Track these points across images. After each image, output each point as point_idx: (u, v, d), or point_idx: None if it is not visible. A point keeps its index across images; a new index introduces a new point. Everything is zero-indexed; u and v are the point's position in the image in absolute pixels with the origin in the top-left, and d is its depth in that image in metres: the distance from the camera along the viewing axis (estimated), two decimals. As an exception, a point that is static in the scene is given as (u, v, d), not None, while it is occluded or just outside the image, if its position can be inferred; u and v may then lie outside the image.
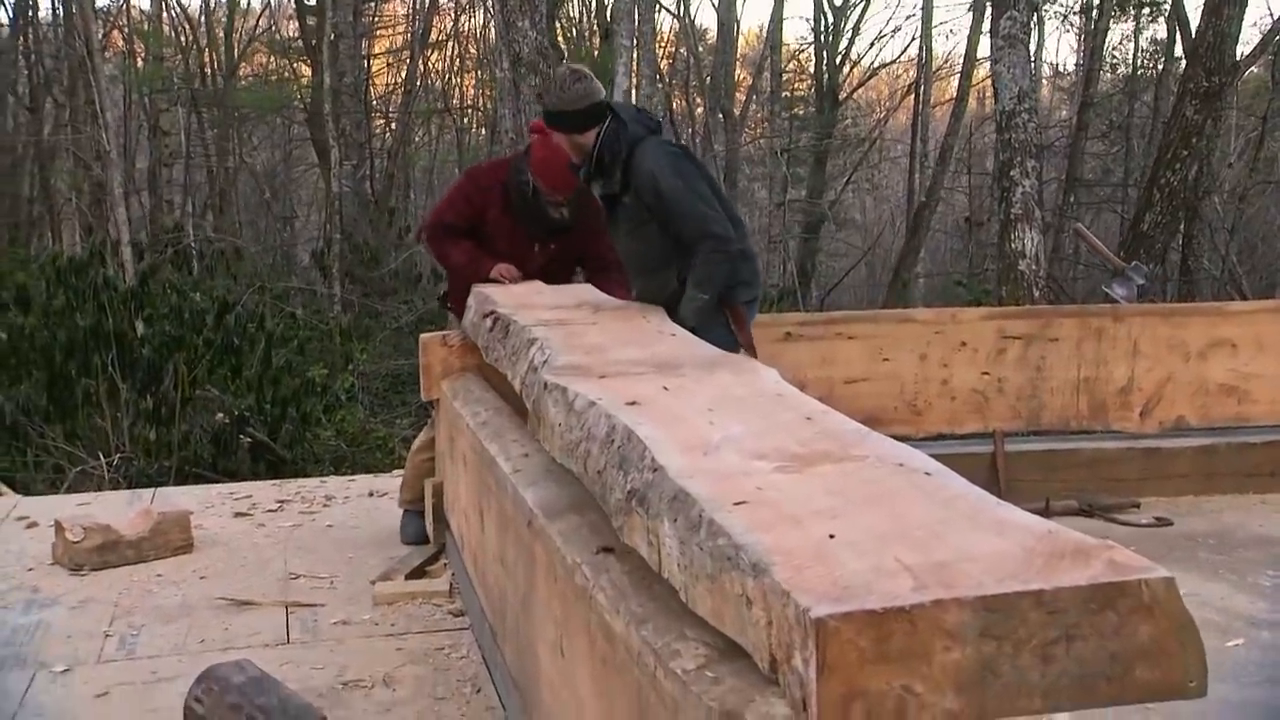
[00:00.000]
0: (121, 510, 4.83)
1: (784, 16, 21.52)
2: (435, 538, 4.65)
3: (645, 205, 3.99)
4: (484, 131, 21.00)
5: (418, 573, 4.42)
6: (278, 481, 6.11)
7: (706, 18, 30.28)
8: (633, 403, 2.59)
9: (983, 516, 1.82)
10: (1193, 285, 14.51)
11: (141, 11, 21.29)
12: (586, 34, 19.47)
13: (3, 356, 8.11)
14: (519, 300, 4.14)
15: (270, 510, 5.24)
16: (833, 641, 1.42)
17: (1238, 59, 11.68)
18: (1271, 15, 19.61)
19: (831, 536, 1.69)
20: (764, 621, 1.60)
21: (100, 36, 14.49)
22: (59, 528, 4.37)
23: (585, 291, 4.34)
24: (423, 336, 4.79)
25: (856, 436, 2.33)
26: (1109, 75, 19.60)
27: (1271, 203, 19.22)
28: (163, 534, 4.49)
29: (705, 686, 1.83)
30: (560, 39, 17.04)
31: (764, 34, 23.88)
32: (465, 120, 22.02)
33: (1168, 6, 17.73)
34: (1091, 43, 18.12)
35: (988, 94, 22.35)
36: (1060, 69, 23.82)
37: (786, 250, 19.97)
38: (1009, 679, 1.45)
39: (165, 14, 20.86)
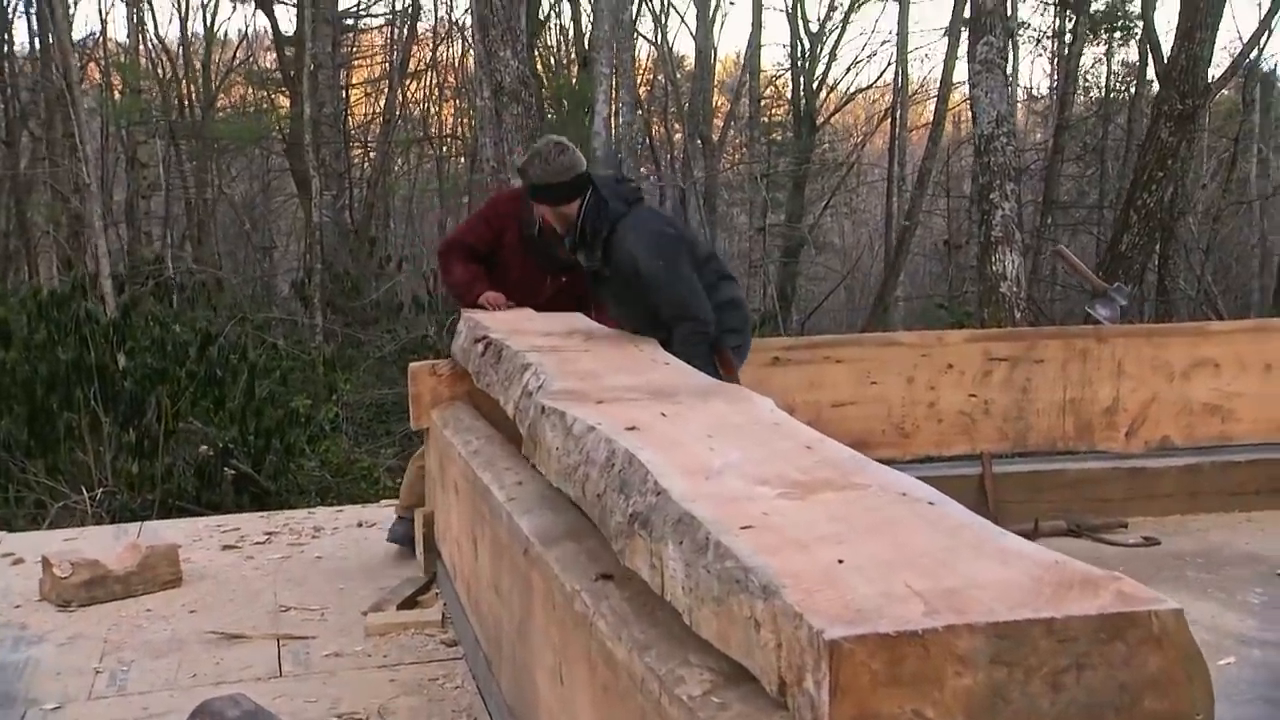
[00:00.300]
0: (108, 545, 4.80)
1: (761, 43, 21.60)
2: (426, 567, 4.63)
3: (628, 282, 4.06)
4: (463, 160, 21.03)
5: (409, 603, 4.40)
6: (265, 513, 6.08)
7: (684, 45, 30.51)
8: (632, 428, 2.61)
9: (988, 546, 1.84)
10: (1169, 305, 14.66)
11: (118, 44, 21.30)
12: (565, 62, 19.55)
13: (-17, 391, 8.07)
14: (510, 325, 4.15)
15: (258, 542, 5.22)
16: (846, 664, 1.43)
17: (1209, 82, 11.85)
18: (1240, 38, 19.88)
19: (840, 561, 1.70)
20: (773, 644, 1.61)
21: (78, 69, 14.46)
22: (46, 564, 4.34)
23: (576, 319, 4.37)
24: (411, 366, 4.80)
25: (856, 465, 2.35)
26: (1083, 98, 19.82)
27: (1244, 223, 19.46)
28: (151, 568, 4.47)
29: (712, 712, 1.84)
30: (539, 67, 17.09)
31: (741, 60, 24.07)
32: (445, 149, 22.05)
33: (1138, 30, 17.96)
34: (1065, 66, 18.32)
35: (964, 118, 22.60)
36: (1034, 92, 24.06)
37: (767, 274, 20.04)
38: (1019, 706, 1.46)
39: (142, 46, 20.85)
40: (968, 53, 10.03)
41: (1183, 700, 1.51)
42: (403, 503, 5.01)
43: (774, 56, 39.52)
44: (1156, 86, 15.50)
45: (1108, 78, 20.57)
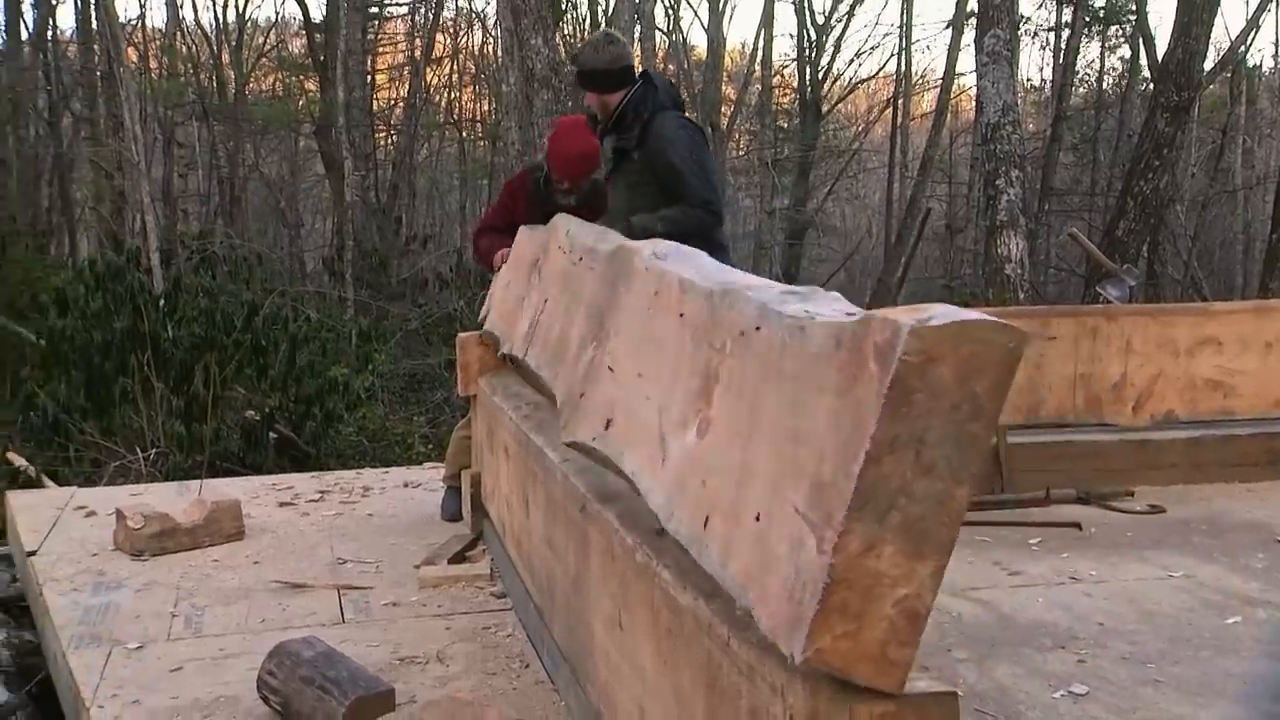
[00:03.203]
0: (172, 500, 4.85)
1: (773, 35, 21.56)
2: (473, 525, 4.69)
3: (652, 167, 4.12)
4: (484, 143, 21.02)
5: (458, 558, 4.46)
6: (316, 474, 6.14)
7: (695, 36, 30.34)
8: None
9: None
10: (1158, 289, 14.66)
11: (157, 29, 21.25)
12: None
13: (43, 357, 8.12)
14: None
15: (312, 500, 5.27)
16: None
17: (1203, 75, 11.83)
18: (1229, 35, 19.84)
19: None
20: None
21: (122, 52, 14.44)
22: (120, 516, 4.40)
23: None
24: (460, 336, 4.84)
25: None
26: (1081, 90, 19.78)
27: (1228, 211, 19.45)
28: (216, 522, 4.52)
29: (780, 654, 1.88)
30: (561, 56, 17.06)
31: (747, 50, 23.99)
32: (466, 133, 22.03)
33: (1131, 28, 17.91)
34: (1065, 59, 18.27)
35: (963, 107, 22.54)
36: (1030, 84, 23.98)
37: (773, 256, 20.05)
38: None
39: (180, 31, 20.82)
40: (975, 44, 10.00)
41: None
42: (448, 472, 5.07)
43: (780, 47, 39.34)
44: (1149, 80, 15.49)
45: (1102, 72, 20.53)
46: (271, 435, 8.32)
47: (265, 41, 23.04)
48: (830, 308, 1.92)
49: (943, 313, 1.54)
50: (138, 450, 7.44)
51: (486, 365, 4.65)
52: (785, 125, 22.53)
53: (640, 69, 4.29)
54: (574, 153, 4.41)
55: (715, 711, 2.09)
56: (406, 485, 5.56)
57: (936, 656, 3.35)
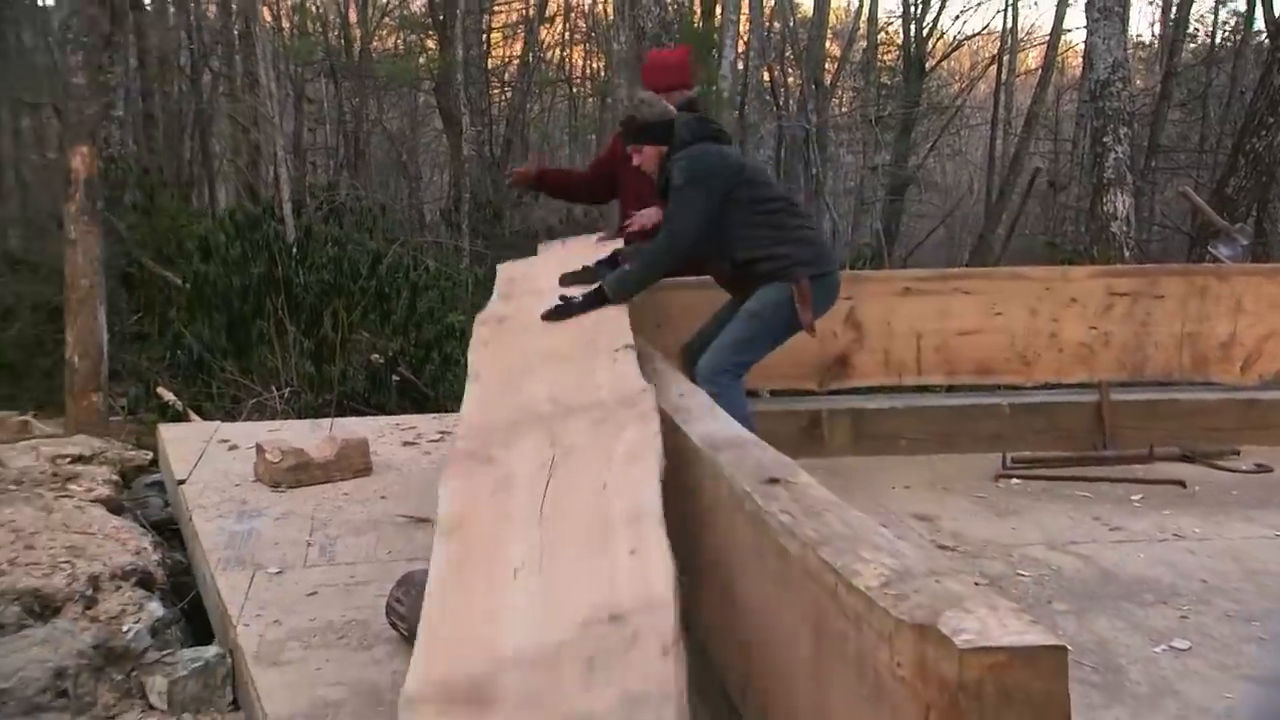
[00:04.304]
0: (305, 436, 4.99)
1: (879, -8, 20.99)
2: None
3: None
4: (594, 100, 20.98)
5: (572, 499, 4.50)
6: (437, 415, 6.25)
7: (799, -7, 29.68)
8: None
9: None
10: (1266, 248, 13.99)
11: (286, -10, 21.58)
12: (688, 7, 19.26)
13: (188, 300, 8.40)
14: None
15: (434, 440, 5.37)
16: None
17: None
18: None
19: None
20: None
21: (259, 11, 14.74)
22: (260, 450, 4.54)
23: None
24: (565, 284, 4.86)
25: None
26: (1191, 46, 18.85)
27: (1344, 170, 18.38)
28: (346, 458, 4.64)
29: (891, 602, 1.86)
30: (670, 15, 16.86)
31: (853, 7, 23.40)
32: (577, 90, 22.01)
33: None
34: (1176, 14, 17.41)
35: (1069, 64, 21.71)
36: (1139, 39, 22.94)
37: (874, 212, 19.67)
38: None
39: (309, -9, 21.13)
40: (1086, 1, 9.60)
41: None
42: None
43: (886, 4, 38.35)
44: (1264, 35, 14.67)
45: (1215, 27, 19.53)
46: (394, 377, 8.50)
47: (388, 2, 23.26)
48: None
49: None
50: (273, 388, 7.67)
51: (591, 315, 4.67)
52: (889, 82, 21.99)
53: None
54: (659, 62, 4.69)
55: (822, 655, 2.08)
56: (521, 427, 5.62)
57: (1037, 609, 3.29)
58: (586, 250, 4.73)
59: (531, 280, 4.53)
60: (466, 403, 3.44)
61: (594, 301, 4.14)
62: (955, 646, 1.63)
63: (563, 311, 4.05)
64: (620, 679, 2.10)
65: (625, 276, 4.15)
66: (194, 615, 3.67)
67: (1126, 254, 8.17)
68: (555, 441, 3.02)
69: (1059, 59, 20.22)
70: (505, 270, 4.73)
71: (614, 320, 3.89)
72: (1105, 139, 8.66)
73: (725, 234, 4.17)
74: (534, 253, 5.45)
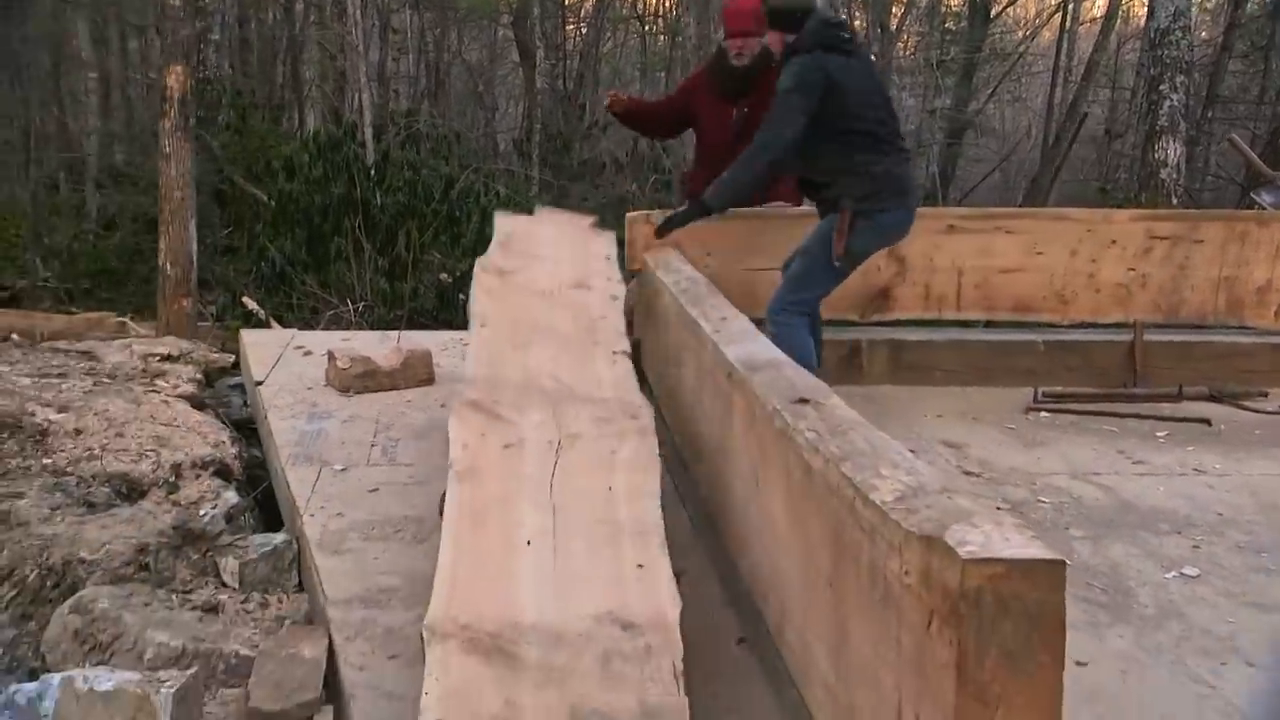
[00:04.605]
0: (374, 346, 5.05)
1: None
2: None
3: None
4: (665, 37, 20.63)
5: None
6: (498, 331, 6.28)
7: (869, -64, 28.72)
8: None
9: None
10: (1320, 201, 13.44)
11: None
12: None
13: (273, 216, 8.53)
14: None
15: (494, 354, 5.42)
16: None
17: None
18: None
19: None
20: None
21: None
22: (331, 356, 4.62)
23: None
24: (628, 215, 4.84)
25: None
26: (1259, -1, 17.95)
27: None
28: (411, 368, 4.70)
29: (902, 514, 1.86)
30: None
31: (922, -48, 22.55)
32: (649, 27, 21.66)
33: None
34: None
35: (1135, 12, 20.81)
36: (1204, -10, 21.87)
37: (930, 155, 19.21)
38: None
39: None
40: (1151, -53, 9.19)
41: None
42: None
43: (953, -51, 36.92)
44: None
45: (1284, -23, 18.51)
46: (461, 296, 8.57)
47: (469, -63, 22.95)
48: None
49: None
50: (348, 302, 7.79)
51: (651, 242, 4.66)
52: (953, 27, 21.32)
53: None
54: (744, 8, 4.50)
55: (838, 564, 2.10)
56: (578, 345, 5.64)
57: (1053, 533, 3.27)
58: (580, 233, 4.64)
59: (532, 243, 4.46)
60: (474, 350, 3.46)
61: (695, 211, 4.10)
62: (959, 557, 1.63)
63: (669, 224, 4.17)
64: (638, 687, 2.13)
65: (722, 182, 4.06)
66: (265, 505, 3.79)
67: (1175, 200, 7.91)
68: (560, 423, 3.04)
69: (1124, 7, 19.40)
70: (504, 223, 4.63)
71: (612, 319, 3.84)
72: (1161, 86, 8.34)
73: (804, 149, 4.00)
74: (598, 183, 5.42)
